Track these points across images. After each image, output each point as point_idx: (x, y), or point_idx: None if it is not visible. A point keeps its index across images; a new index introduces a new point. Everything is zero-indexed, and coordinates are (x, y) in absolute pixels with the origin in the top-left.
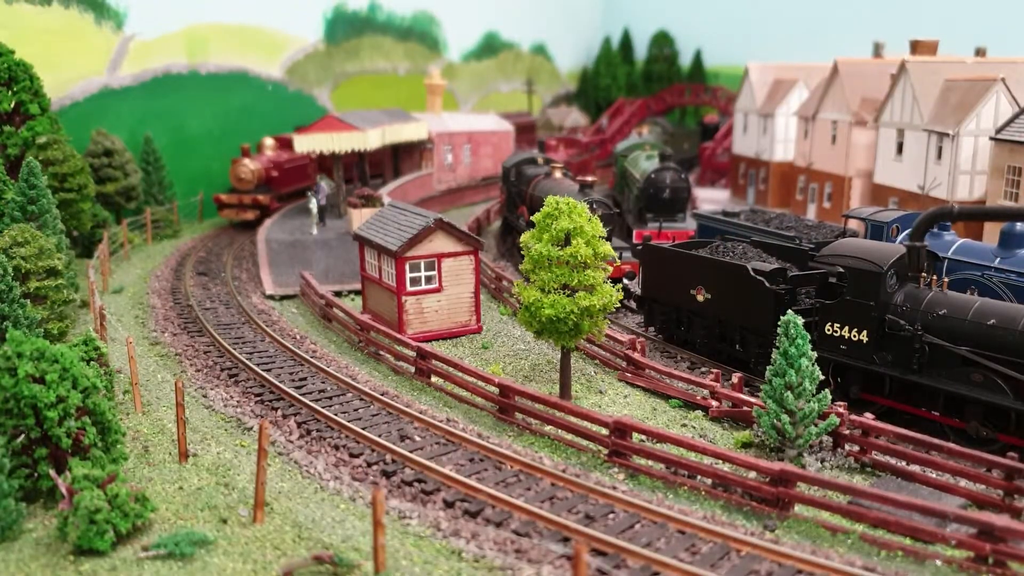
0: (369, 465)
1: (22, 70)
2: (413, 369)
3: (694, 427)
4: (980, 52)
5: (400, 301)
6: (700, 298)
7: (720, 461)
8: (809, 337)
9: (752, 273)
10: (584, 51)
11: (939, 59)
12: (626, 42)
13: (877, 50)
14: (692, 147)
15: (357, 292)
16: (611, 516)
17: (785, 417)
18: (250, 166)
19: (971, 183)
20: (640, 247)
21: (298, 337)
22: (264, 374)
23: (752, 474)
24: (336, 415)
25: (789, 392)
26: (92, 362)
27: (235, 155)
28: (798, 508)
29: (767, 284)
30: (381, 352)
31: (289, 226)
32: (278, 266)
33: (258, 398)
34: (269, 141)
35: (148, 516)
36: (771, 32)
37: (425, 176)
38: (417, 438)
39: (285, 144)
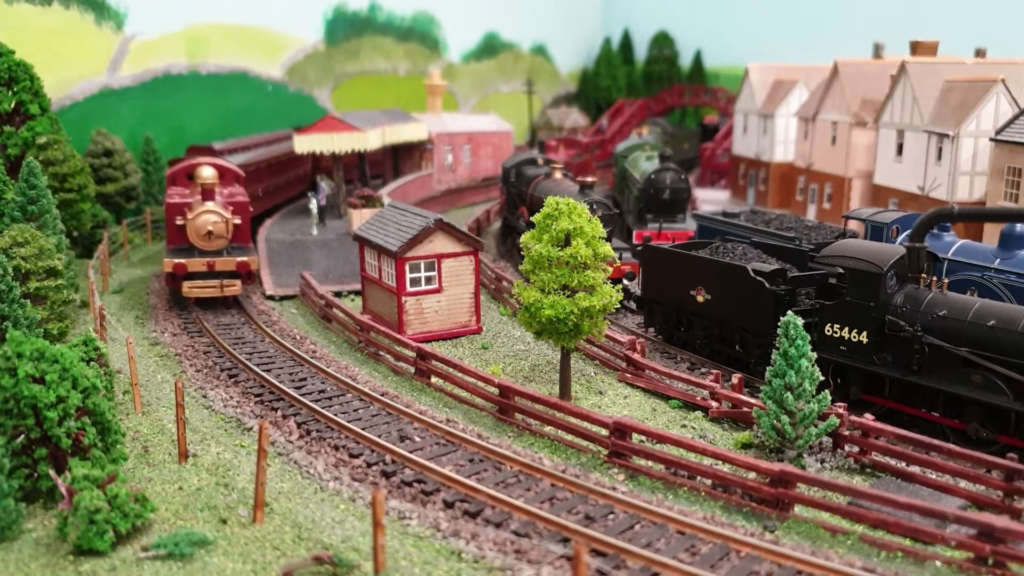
0: (369, 465)
1: (22, 70)
2: (413, 370)
3: (694, 428)
4: (980, 53)
5: (400, 302)
6: (700, 299)
7: (720, 462)
8: (809, 338)
9: (752, 274)
10: (584, 52)
11: (939, 60)
12: (626, 43)
13: (877, 51)
14: (692, 148)
15: (357, 292)
16: (611, 517)
17: (785, 418)
18: (222, 213)
19: (971, 184)
20: (640, 248)
21: (298, 337)
22: (264, 374)
23: (752, 475)
24: (336, 415)
25: (789, 393)
26: (92, 362)
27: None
28: (798, 509)
29: (767, 285)
30: (381, 352)
31: (289, 226)
32: (278, 266)
33: (258, 398)
34: (208, 172)
35: (148, 516)
36: (771, 33)
37: (425, 177)
38: (417, 439)
39: (223, 173)
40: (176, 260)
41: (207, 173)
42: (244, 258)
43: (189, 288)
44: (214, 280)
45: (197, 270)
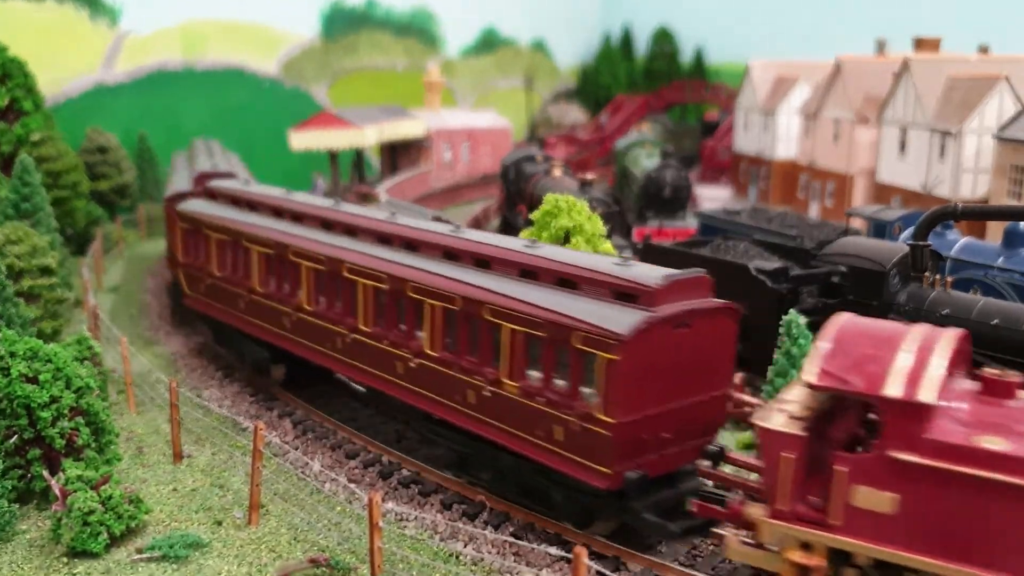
0: (366, 467)
1: (16, 67)
2: None
3: None
4: (983, 50)
5: None
6: None
7: None
8: (812, 337)
9: (754, 272)
10: (584, 48)
11: (942, 57)
12: (626, 39)
13: (880, 48)
14: (693, 144)
15: None
16: None
17: None
18: None
19: (974, 181)
20: (640, 246)
21: None
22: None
23: (754, 476)
24: (332, 415)
25: None
26: (86, 362)
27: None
28: None
29: (769, 283)
30: None
31: None
32: None
33: (253, 399)
34: None
35: (142, 518)
36: (773, 29)
37: (423, 173)
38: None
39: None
40: None
41: None
42: None
43: None
44: None
45: None
